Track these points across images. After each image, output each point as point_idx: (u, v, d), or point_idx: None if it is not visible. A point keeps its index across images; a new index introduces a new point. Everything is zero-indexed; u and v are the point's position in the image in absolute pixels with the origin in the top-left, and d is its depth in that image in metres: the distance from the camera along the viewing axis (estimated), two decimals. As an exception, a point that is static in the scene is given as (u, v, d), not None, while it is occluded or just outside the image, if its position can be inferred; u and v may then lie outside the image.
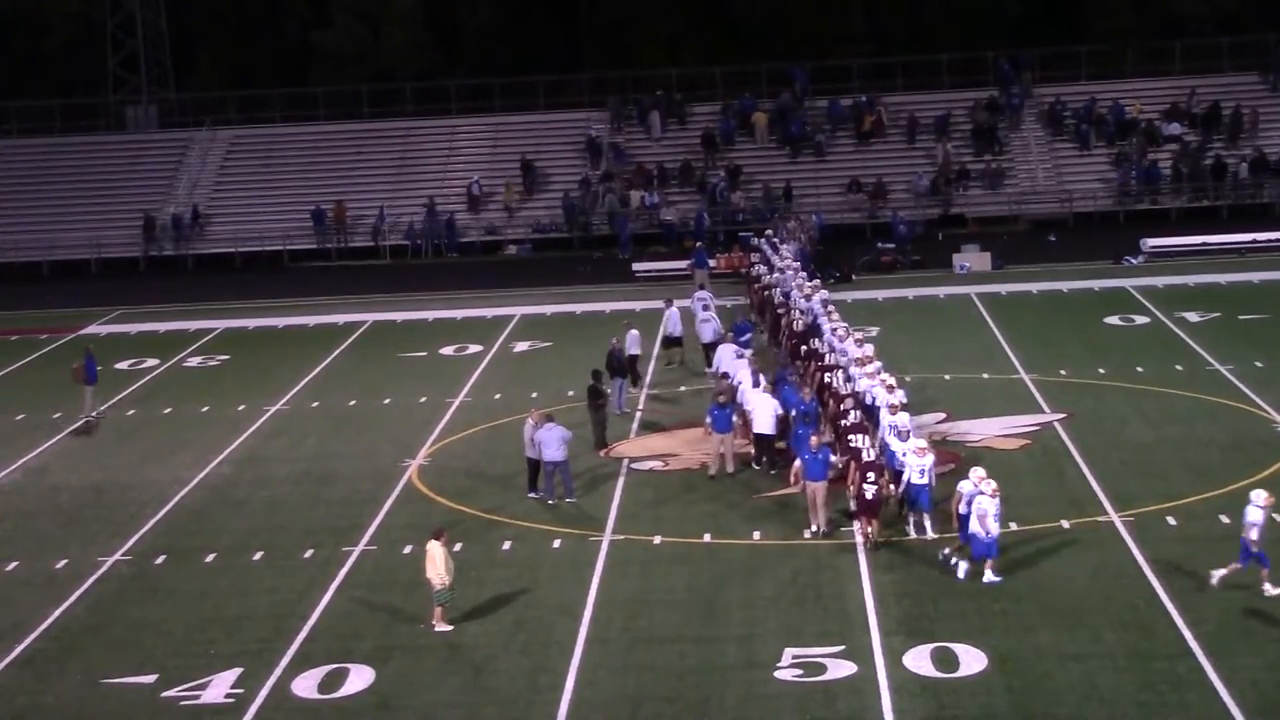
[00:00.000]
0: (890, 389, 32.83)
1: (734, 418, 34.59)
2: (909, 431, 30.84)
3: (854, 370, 34.54)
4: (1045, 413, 38.90)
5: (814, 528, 30.23)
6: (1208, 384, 41.00)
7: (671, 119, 75.83)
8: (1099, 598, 26.87)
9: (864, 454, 30.18)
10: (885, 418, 31.58)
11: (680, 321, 45.28)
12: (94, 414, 42.89)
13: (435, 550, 26.73)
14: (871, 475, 29.46)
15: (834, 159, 73.60)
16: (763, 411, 34.49)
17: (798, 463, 30.99)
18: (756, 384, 35.52)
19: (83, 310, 60.57)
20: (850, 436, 31.43)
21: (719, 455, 34.40)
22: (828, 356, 37.33)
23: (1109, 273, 58.86)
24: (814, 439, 30.45)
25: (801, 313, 42.68)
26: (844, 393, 34.06)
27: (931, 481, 30.02)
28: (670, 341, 45.19)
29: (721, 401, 34.37)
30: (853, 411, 32.72)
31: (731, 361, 38.49)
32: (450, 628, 26.85)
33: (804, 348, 39.95)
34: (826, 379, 35.90)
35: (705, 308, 46.00)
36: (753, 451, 34.88)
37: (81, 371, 43.37)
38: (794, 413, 33.91)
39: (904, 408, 32.18)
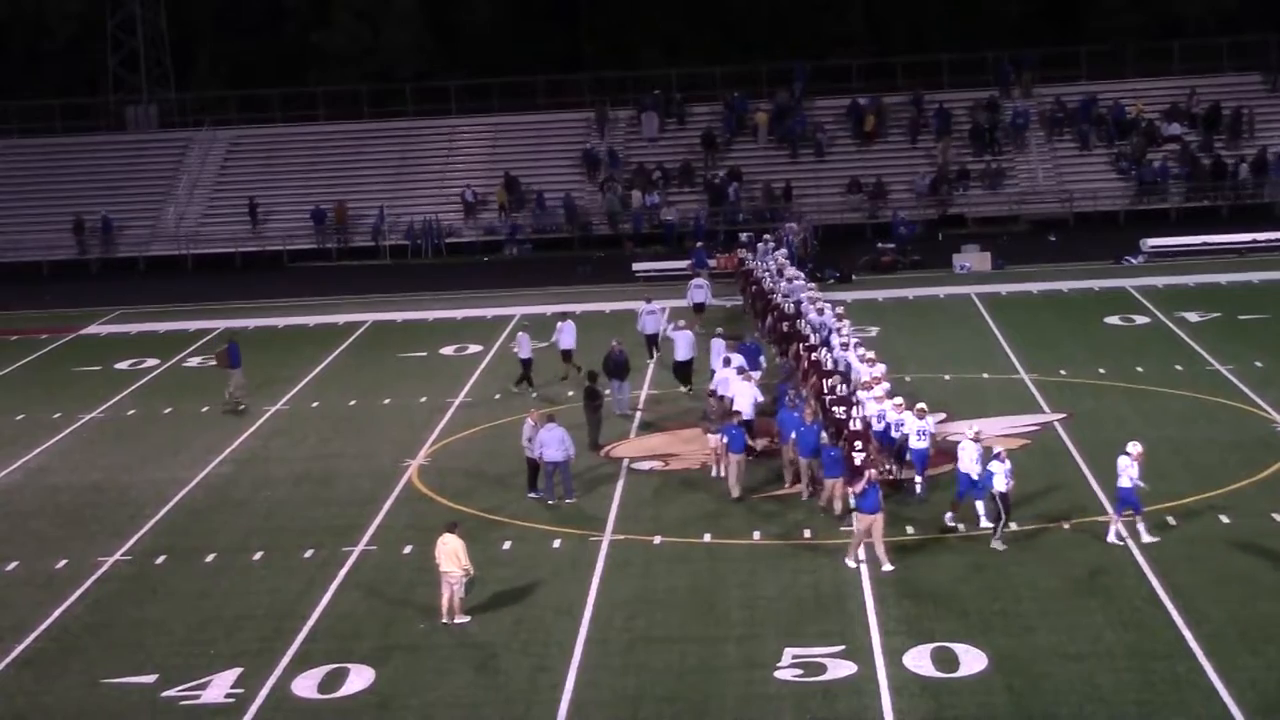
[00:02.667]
0: (921, 414, 32.53)
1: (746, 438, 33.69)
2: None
3: (861, 394, 33.38)
4: (1045, 413, 38.89)
5: (859, 560, 28.63)
6: (1208, 384, 41.00)
7: (670, 119, 75.83)
8: (1099, 598, 26.87)
9: (851, 424, 31.26)
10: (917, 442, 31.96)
11: (574, 334, 43.99)
12: (241, 398, 43.42)
13: (455, 544, 26.80)
14: (859, 443, 30.36)
15: (834, 159, 73.61)
16: (743, 398, 35.18)
17: (834, 483, 30.94)
18: (729, 365, 36.62)
19: (83, 310, 60.60)
20: (835, 409, 32.60)
21: (736, 473, 33.24)
22: (812, 336, 38.58)
23: (1109, 273, 58.86)
24: (872, 472, 28.87)
25: (785, 296, 44.05)
26: (828, 368, 35.09)
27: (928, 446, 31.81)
28: (563, 355, 43.62)
29: (737, 421, 33.75)
30: (839, 386, 33.78)
31: (717, 354, 39.46)
32: (470, 618, 27.00)
33: (788, 327, 41.28)
34: (812, 357, 37.01)
35: (649, 300, 47.14)
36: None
37: (225, 357, 43.92)
38: (793, 434, 32.89)
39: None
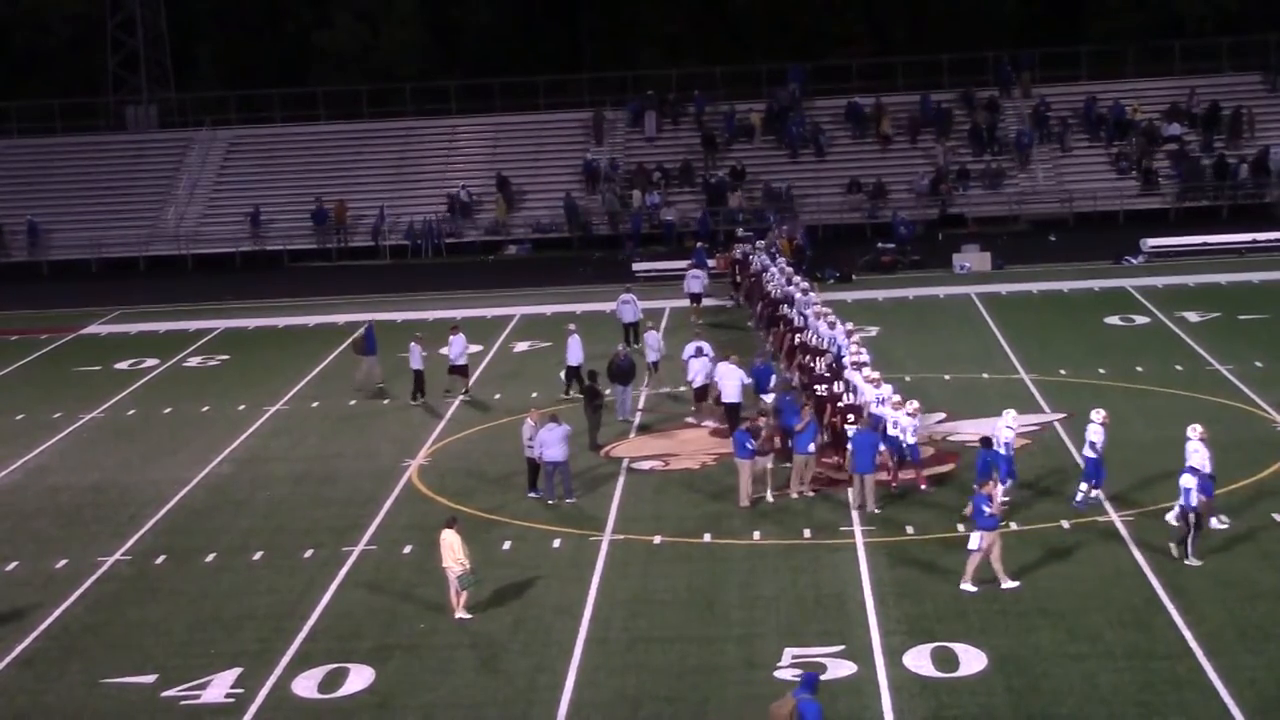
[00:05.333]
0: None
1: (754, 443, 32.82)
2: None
3: (890, 413, 33.11)
4: (1045, 413, 38.88)
5: (980, 583, 27.47)
6: (1208, 384, 40.99)
7: (666, 119, 75.76)
8: (1099, 598, 26.87)
9: (844, 398, 33.72)
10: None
11: (464, 347, 43.11)
12: (376, 382, 44.00)
13: (451, 538, 26.89)
14: (851, 416, 32.38)
15: (834, 159, 73.58)
16: (730, 382, 36.70)
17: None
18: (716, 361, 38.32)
19: (83, 310, 60.59)
20: (818, 387, 35.02)
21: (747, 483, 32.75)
22: (796, 320, 41.17)
23: (1109, 273, 58.86)
24: (999, 490, 28.42)
25: (780, 291, 45.35)
26: (816, 347, 37.31)
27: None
28: (454, 369, 42.84)
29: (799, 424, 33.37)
30: (822, 365, 36.07)
31: (652, 347, 41.87)
32: (470, 616, 27.04)
33: (775, 312, 43.70)
34: (798, 339, 39.61)
35: (628, 290, 48.94)
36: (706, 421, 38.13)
37: (361, 342, 44.39)
38: (811, 445, 32.83)
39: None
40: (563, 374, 42.46)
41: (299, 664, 25.81)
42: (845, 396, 33.92)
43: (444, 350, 43.43)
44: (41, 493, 36.72)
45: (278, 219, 72.73)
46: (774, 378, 38.53)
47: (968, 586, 27.31)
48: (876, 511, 31.37)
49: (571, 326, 44.00)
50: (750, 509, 32.27)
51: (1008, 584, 27.29)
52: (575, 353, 42.16)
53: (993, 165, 71.63)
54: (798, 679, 21.12)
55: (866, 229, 68.41)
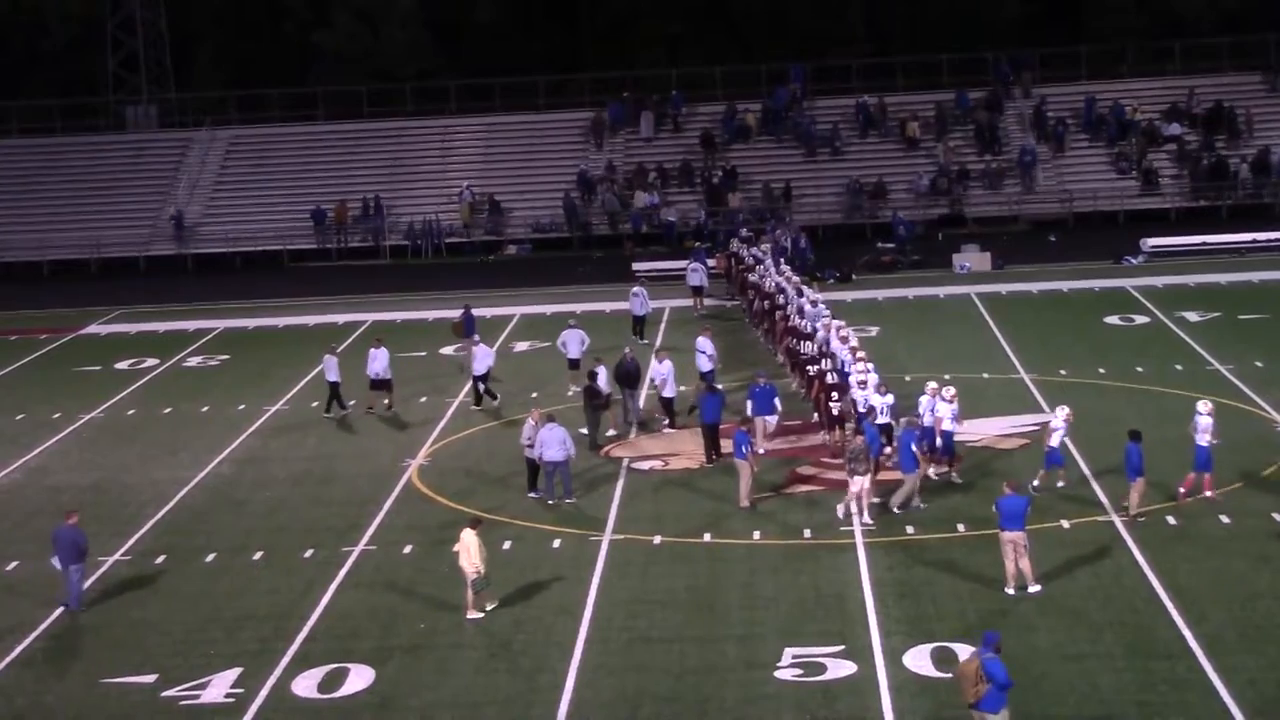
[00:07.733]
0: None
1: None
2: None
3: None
4: (1045, 413, 38.81)
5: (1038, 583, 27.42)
6: (1208, 384, 40.93)
7: (662, 123, 75.70)
8: (1099, 598, 26.88)
9: (827, 377, 35.41)
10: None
11: (386, 362, 42.15)
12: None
13: (470, 540, 26.92)
14: (835, 394, 34.17)
15: (834, 159, 73.52)
16: (672, 380, 38.71)
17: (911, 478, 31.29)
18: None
19: (83, 310, 60.60)
20: (808, 368, 37.51)
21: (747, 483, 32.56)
22: (788, 308, 43.37)
23: (1109, 273, 58.86)
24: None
25: (781, 291, 46.02)
26: (805, 331, 39.73)
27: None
28: (377, 384, 41.96)
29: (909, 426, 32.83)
30: (810, 348, 38.18)
31: (575, 344, 43.00)
32: (482, 615, 27.10)
33: (771, 304, 45.63)
34: (789, 325, 42.06)
35: (640, 284, 50.27)
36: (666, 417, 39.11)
37: (461, 326, 45.30)
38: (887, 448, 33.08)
39: None
40: (479, 384, 41.93)
41: (299, 664, 25.81)
42: (830, 376, 35.65)
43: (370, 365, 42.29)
44: (41, 493, 36.73)
45: (278, 219, 72.68)
46: (777, 399, 36.72)
47: (1034, 588, 27.17)
48: (922, 508, 31.35)
49: (476, 337, 43.84)
50: (750, 509, 32.26)
51: (1035, 587, 27.14)
52: (482, 361, 41.91)
53: (993, 165, 71.63)
54: (982, 638, 21.32)
55: (866, 229, 68.42)
